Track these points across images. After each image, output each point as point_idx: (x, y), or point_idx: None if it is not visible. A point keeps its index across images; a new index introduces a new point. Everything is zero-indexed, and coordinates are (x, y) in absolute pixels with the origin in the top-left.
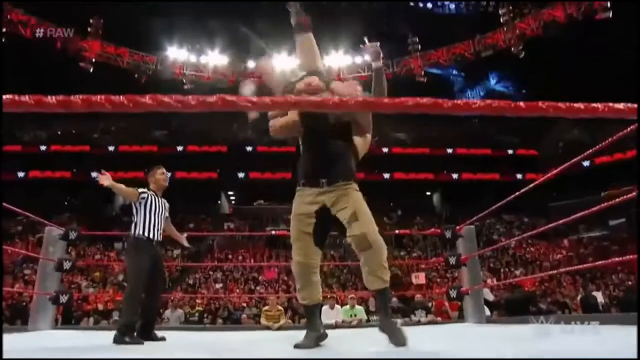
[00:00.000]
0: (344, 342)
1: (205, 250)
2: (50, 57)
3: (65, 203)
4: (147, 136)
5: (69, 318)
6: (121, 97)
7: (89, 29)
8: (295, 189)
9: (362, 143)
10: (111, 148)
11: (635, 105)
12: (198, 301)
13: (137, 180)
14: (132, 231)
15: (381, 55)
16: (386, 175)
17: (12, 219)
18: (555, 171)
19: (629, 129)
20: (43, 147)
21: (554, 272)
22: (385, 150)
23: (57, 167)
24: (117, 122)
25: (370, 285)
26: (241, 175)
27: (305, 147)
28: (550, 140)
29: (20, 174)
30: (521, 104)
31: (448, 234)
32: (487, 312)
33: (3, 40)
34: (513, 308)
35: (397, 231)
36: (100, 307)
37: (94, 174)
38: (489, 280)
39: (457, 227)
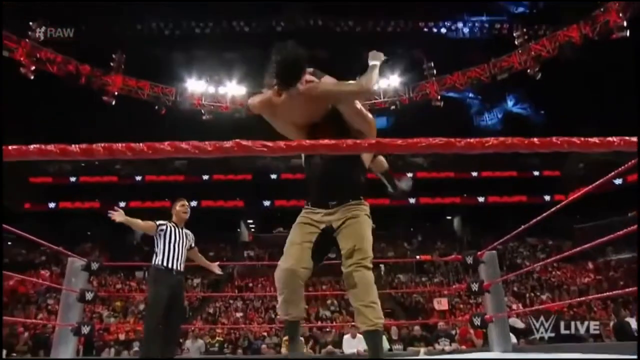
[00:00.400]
0: None
1: (226, 279)
2: (75, 91)
3: (88, 233)
4: (172, 166)
5: (90, 348)
6: (141, 144)
7: (111, 64)
8: (303, 206)
9: (366, 155)
10: (138, 178)
11: None
12: (218, 331)
13: (164, 209)
14: (153, 261)
15: (382, 58)
16: (412, 200)
17: (36, 249)
18: (582, 191)
19: None
20: (72, 179)
21: (588, 297)
22: (409, 174)
23: (85, 197)
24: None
25: (358, 325)
26: (267, 203)
27: (309, 163)
28: (572, 161)
29: (51, 205)
30: (535, 140)
31: (469, 260)
32: (514, 339)
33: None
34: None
35: (417, 257)
36: (122, 337)
37: (121, 204)
38: (514, 306)
39: (479, 253)
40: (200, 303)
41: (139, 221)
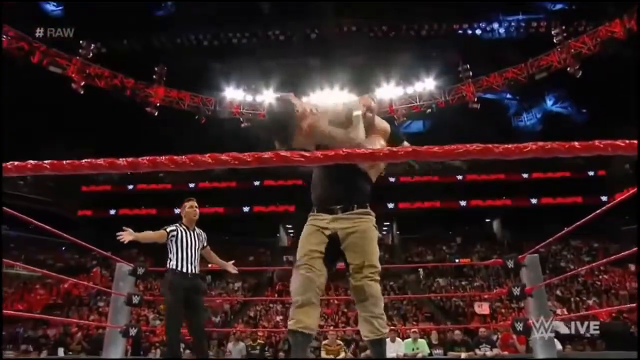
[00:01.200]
0: None
1: (266, 283)
2: (122, 102)
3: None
4: (225, 173)
5: (137, 349)
6: (183, 157)
7: (154, 76)
8: (309, 214)
9: (374, 170)
10: (191, 185)
11: None
12: (259, 334)
13: (217, 215)
14: (167, 266)
15: (361, 108)
16: (462, 203)
17: (88, 254)
18: (629, 192)
19: None
20: (130, 187)
21: None
22: (444, 179)
23: (143, 204)
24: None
25: (365, 334)
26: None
27: (317, 168)
28: (618, 161)
29: (112, 212)
30: (576, 144)
31: (510, 264)
32: (559, 345)
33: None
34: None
35: (457, 260)
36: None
37: (176, 211)
38: (558, 311)
39: (520, 256)
40: (241, 307)
41: (150, 233)
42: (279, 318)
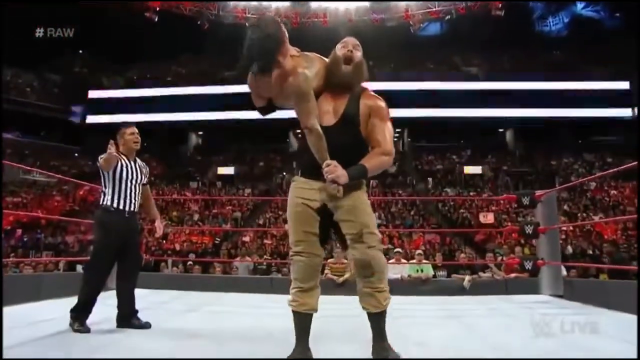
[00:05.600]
0: None
1: (275, 189)
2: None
3: (145, 144)
4: (216, 77)
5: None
6: None
7: None
8: (292, 178)
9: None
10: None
11: None
12: (267, 242)
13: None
14: (100, 201)
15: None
16: (476, 112)
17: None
18: None
19: None
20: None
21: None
22: (459, 85)
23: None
24: (190, 65)
25: (365, 306)
26: None
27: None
28: None
29: (122, 117)
30: None
31: (526, 201)
32: (564, 271)
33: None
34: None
35: (465, 196)
36: (177, 247)
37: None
38: (563, 227)
39: (537, 193)
40: (251, 213)
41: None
42: (287, 226)
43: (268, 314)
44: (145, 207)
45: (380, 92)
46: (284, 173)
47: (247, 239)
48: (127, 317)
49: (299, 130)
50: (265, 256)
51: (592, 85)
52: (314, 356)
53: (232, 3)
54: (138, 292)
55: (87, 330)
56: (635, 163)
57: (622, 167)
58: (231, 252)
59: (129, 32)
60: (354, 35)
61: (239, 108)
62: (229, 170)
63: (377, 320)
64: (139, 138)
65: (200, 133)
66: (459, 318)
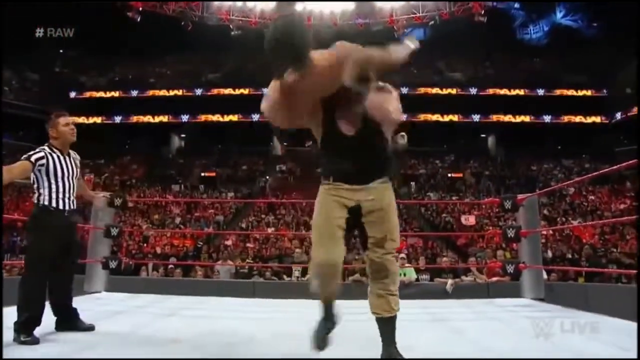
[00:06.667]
0: None
1: (257, 193)
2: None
3: (126, 146)
4: (200, 79)
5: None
6: None
7: None
8: (322, 182)
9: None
10: (192, 93)
11: None
12: (249, 245)
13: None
14: (35, 201)
15: (417, 45)
16: (458, 118)
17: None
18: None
19: None
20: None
21: (620, 219)
22: (443, 91)
23: (124, 112)
24: (173, 66)
25: (376, 310)
26: None
27: (333, 138)
28: (619, 84)
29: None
30: None
31: (508, 205)
32: (544, 275)
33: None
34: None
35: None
36: (158, 250)
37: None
38: (543, 231)
39: (519, 197)
40: (233, 217)
41: (13, 168)
42: (270, 230)
43: (250, 318)
44: (85, 194)
45: None
46: (267, 176)
47: (229, 242)
48: (67, 318)
49: (315, 137)
50: (247, 260)
51: (571, 93)
52: (321, 357)
53: (215, 4)
54: (117, 295)
55: (36, 341)
56: (612, 168)
57: (598, 173)
58: (212, 256)
59: (112, 32)
60: (340, 39)
61: (222, 110)
62: (211, 173)
63: (388, 324)
64: (75, 128)
65: (183, 135)
66: (444, 322)
